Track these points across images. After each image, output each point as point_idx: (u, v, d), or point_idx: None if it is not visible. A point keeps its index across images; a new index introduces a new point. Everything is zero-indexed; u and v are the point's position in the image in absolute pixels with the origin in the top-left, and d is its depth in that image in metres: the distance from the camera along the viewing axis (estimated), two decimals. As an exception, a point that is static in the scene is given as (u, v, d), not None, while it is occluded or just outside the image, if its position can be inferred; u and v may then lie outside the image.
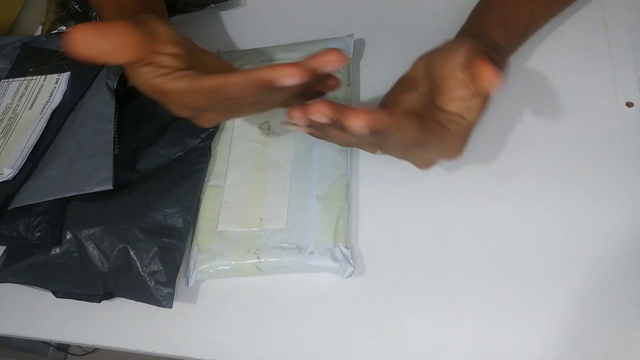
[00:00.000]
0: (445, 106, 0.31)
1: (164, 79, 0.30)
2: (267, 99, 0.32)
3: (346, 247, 0.37)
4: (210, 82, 0.30)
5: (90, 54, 0.27)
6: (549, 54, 0.42)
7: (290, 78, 0.27)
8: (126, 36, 0.28)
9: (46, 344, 1.15)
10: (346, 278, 0.36)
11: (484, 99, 0.31)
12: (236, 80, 0.29)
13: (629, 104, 0.39)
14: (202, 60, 0.34)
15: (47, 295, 0.41)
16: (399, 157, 0.35)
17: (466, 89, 0.31)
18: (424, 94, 0.34)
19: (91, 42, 0.27)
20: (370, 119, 0.27)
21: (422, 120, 0.30)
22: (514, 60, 0.42)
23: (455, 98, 0.31)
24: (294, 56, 0.45)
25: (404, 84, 0.35)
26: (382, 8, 0.49)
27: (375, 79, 0.45)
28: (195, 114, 0.33)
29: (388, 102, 0.35)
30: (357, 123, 0.27)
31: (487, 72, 0.29)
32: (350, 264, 0.36)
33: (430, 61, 0.34)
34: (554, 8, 0.42)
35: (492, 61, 0.29)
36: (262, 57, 0.45)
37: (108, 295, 0.40)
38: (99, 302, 0.40)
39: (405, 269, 0.37)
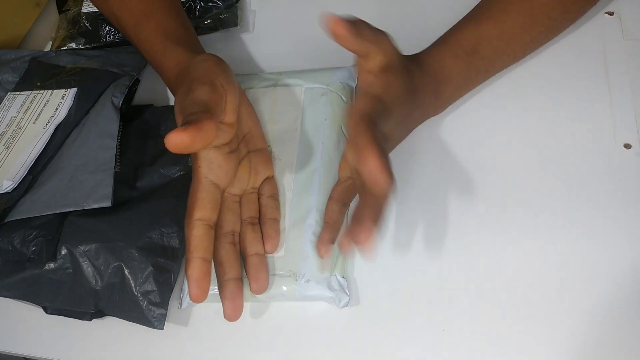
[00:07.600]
0: None
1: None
2: None
3: (342, 277, 0.37)
4: None
5: (187, 152, 0.31)
6: (549, 95, 0.43)
7: None
8: (213, 134, 0.31)
9: None
10: (341, 308, 0.36)
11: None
12: None
13: (627, 146, 0.39)
14: (241, 115, 0.38)
15: (37, 311, 0.40)
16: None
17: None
18: None
19: (187, 145, 0.30)
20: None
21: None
22: (514, 100, 0.43)
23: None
24: (299, 82, 0.45)
25: None
26: (387, 40, 0.49)
27: (378, 109, 0.45)
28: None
29: None
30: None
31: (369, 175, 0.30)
32: (346, 293, 0.36)
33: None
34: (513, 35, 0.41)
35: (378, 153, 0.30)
36: (266, 82, 0.46)
37: (99, 314, 0.39)
38: (90, 320, 0.39)
39: (400, 300, 0.36)
